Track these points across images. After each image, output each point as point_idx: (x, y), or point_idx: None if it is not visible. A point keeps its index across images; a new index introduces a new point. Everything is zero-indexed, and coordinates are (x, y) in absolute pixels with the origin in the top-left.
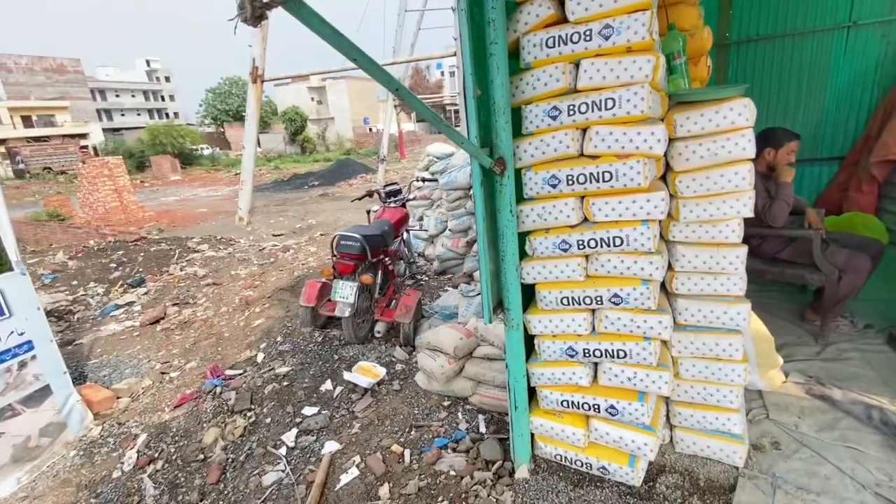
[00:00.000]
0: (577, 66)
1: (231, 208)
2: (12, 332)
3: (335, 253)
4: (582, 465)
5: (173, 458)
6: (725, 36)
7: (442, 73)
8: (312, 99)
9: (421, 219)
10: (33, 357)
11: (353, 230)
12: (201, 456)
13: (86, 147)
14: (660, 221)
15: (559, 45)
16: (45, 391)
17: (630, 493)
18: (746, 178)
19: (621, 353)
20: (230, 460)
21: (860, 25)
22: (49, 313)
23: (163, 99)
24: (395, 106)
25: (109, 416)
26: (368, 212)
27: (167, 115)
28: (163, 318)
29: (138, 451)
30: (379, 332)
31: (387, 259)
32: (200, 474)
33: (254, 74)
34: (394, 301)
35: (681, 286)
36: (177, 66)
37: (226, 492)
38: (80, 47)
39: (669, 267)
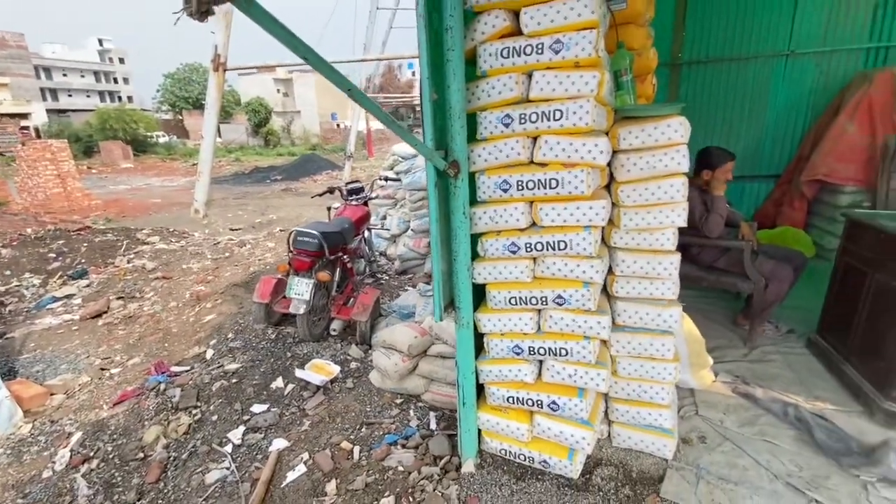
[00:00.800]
0: (529, 76)
1: (187, 200)
2: None
3: (292, 249)
4: (525, 459)
5: (110, 456)
6: (678, 56)
7: (413, 73)
8: (278, 91)
9: (384, 218)
10: None
11: (311, 226)
12: (141, 455)
13: (27, 128)
14: (602, 228)
15: (513, 56)
16: None
17: (568, 484)
18: (681, 191)
19: (563, 352)
20: (172, 458)
21: (797, 54)
22: None
23: (116, 81)
24: None
25: (41, 414)
26: (329, 209)
27: (120, 98)
28: (105, 312)
29: (71, 450)
30: (335, 330)
31: (345, 257)
32: (139, 473)
33: (216, 62)
34: (352, 299)
35: (620, 289)
36: (133, 48)
37: (165, 490)
38: (24, 22)
39: (611, 271)
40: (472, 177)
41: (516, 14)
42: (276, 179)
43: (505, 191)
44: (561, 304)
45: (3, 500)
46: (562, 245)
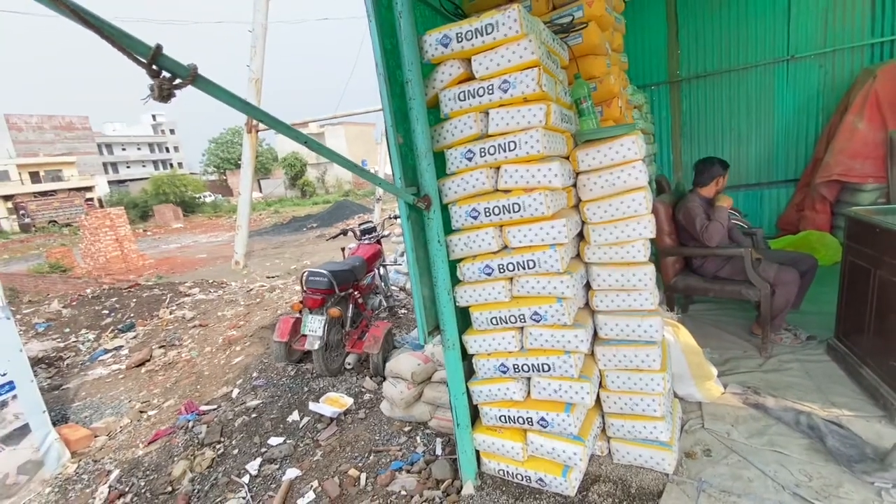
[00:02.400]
0: (486, 114)
1: (229, 253)
2: None
3: (304, 288)
4: (522, 479)
5: (142, 491)
6: (676, 73)
7: None
8: None
9: (402, 254)
10: (14, 397)
11: (322, 266)
12: (169, 488)
13: (91, 199)
14: (577, 245)
15: (469, 98)
16: (24, 430)
17: (565, 502)
18: (643, 204)
19: (545, 367)
20: (196, 491)
21: (799, 58)
22: (39, 360)
23: (167, 150)
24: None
25: (86, 454)
26: (343, 249)
27: (171, 165)
28: (148, 360)
29: (110, 486)
30: (350, 364)
31: (357, 293)
32: None
33: (249, 125)
34: (365, 333)
35: (599, 303)
36: (181, 118)
37: None
38: (89, 105)
39: (590, 286)
40: (445, 208)
41: (469, 62)
42: (312, 227)
43: (475, 218)
44: (538, 321)
45: None
46: (531, 264)
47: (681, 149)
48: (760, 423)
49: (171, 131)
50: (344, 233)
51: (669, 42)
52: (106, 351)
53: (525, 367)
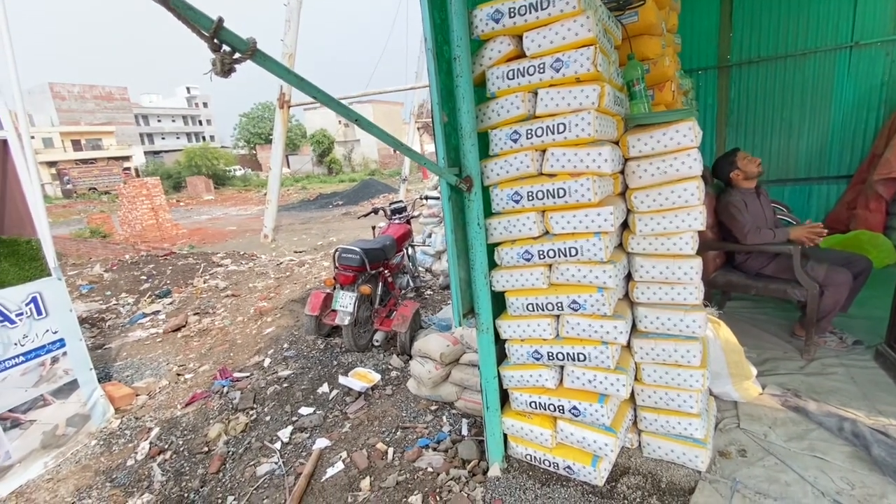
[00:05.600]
0: (535, 94)
1: (258, 226)
2: (47, 331)
3: (337, 265)
4: (550, 465)
5: (181, 449)
6: (726, 58)
7: None
8: (340, 122)
9: (429, 235)
10: (64, 353)
11: (354, 244)
12: (206, 448)
13: (128, 169)
14: (620, 234)
15: (518, 77)
16: (72, 385)
17: (593, 491)
18: (695, 194)
19: (581, 357)
20: (230, 453)
21: (863, 45)
22: (84, 320)
23: (200, 123)
24: (419, 128)
25: (128, 411)
26: (374, 227)
27: (204, 138)
28: (184, 326)
29: (150, 443)
30: (377, 341)
31: (387, 271)
32: (203, 465)
33: (281, 100)
34: (393, 312)
35: (640, 295)
36: (215, 92)
37: (224, 480)
38: (127, 76)
39: (631, 277)
40: (486, 190)
41: (520, 38)
42: (338, 204)
43: (517, 202)
44: (576, 310)
45: (95, 484)
46: (573, 251)
47: (725, 138)
48: (800, 427)
49: (205, 104)
50: (375, 211)
51: (722, 24)
52: (144, 315)
53: (559, 356)
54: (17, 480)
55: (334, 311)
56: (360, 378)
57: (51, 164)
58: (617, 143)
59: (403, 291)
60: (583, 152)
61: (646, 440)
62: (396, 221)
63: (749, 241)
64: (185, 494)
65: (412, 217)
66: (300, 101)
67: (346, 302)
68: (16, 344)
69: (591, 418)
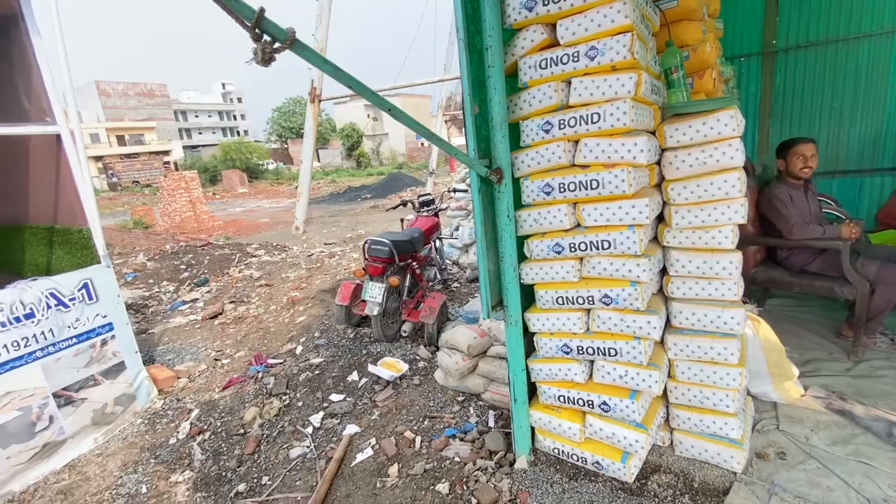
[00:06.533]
0: (568, 84)
1: (289, 219)
2: (97, 315)
3: (366, 256)
4: (578, 460)
5: (219, 430)
6: (772, 43)
7: None
8: (368, 116)
9: (457, 228)
10: (113, 337)
11: (384, 235)
12: (242, 430)
13: (168, 163)
14: (655, 227)
15: (551, 66)
16: (120, 367)
17: (622, 488)
18: (736, 186)
19: (612, 352)
20: (265, 435)
21: None
22: (128, 306)
23: (235, 118)
24: (446, 120)
25: (170, 393)
26: (402, 220)
27: (238, 132)
28: (220, 314)
29: (191, 423)
30: (405, 332)
31: (415, 263)
32: (239, 445)
33: (312, 94)
34: (421, 303)
35: (675, 290)
36: (248, 88)
37: (259, 461)
38: (166, 73)
39: (666, 271)
40: (516, 182)
41: (553, 27)
42: (366, 197)
43: (548, 193)
44: (608, 304)
45: (141, 460)
46: (606, 244)
47: (769, 129)
48: (845, 431)
49: (239, 99)
50: (403, 204)
51: (767, 7)
52: (184, 302)
53: (589, 350)
54: (70, 454)
55: (364, 301)
56: (389, 367)
57: (97, 158)
58: (653, 132)
59: (431, 283)
60: (617, 142)
61: (678, 438)
62: (425, 214)
63: (795, 237)
64: (223, 473)
65: (440, 210)
66: (330, 95)
67: (375, 293)
68: (69, 327)
69: (622, 414)
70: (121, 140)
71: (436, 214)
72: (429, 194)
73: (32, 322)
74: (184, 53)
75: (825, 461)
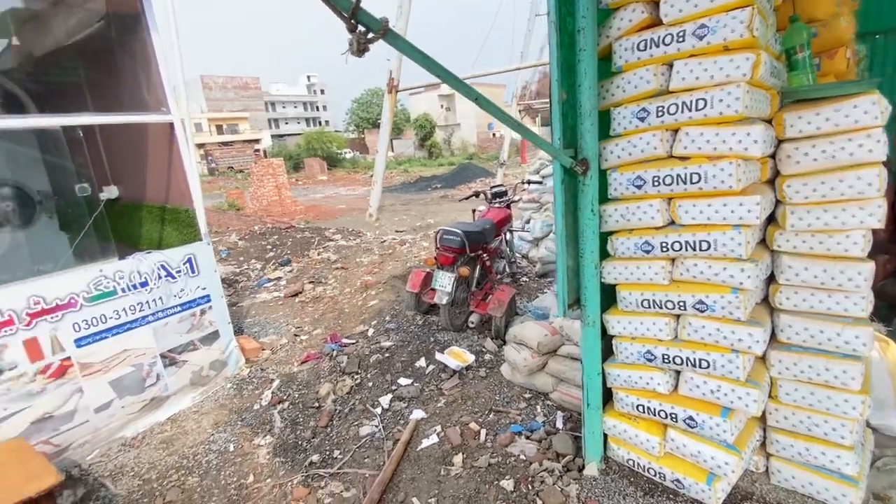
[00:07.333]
0: (669, 67)
1: (364, 206)
2: (198, 287)
3: (438, 246)
4: (655, 475)
5: (296, 401)
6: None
7: None
8: (442, 106)
9: (528, 221)
10: (210, 307)
11: (455, 226)
12: (316, 404)
13: (258, 150)
14: (764, 228)
15: (651, 48)
16: (215, 335)
17: None
18: (874, 184)
19: (704, 363)
20: (337, 411)
21: None
22: (222, 280)
23: (317, 109)
24: (520, 111)
25: (255, 363)
26: (474, 211)
27: (320, 122)
28: (300, 293)
29: (272, 392)
30: (472, 323)
31: (485, 255)
32: (314, 418)
33: (390, 85)
34: (489, 295)
35: (785, 301)
36: (330, 79)
37: (331, 434)
38: (259, 66)
39: (774, 279)
40: (602, 174)
41: (655, 4)
42: (436, 187)
43: (639, 187)
44: (702, 311)
45: (230, 421)
46: (704, 245)
47: None
48: None
49: (322, 91)
50: (476, 195)
51: None
52: (269, 280)
53: (676, 359)
54: (172, 409)
55: (433, 289)
56: (456, 357)
57: (200, 145)
58: (769, 121)
59: (500, 276)
60: (726, 132)
61: (776, 466)
62: (497, 205)
63: None
64: (299, 442)
65: (513, 202)
66: (406, 86)
67: (444, 282)
68: (175, 296)
69: (711, 432)
70: (219, 129)
71: (508, 206)
72: (501, 185)
73: (146, 290)
74: (279, 46)
75: None
